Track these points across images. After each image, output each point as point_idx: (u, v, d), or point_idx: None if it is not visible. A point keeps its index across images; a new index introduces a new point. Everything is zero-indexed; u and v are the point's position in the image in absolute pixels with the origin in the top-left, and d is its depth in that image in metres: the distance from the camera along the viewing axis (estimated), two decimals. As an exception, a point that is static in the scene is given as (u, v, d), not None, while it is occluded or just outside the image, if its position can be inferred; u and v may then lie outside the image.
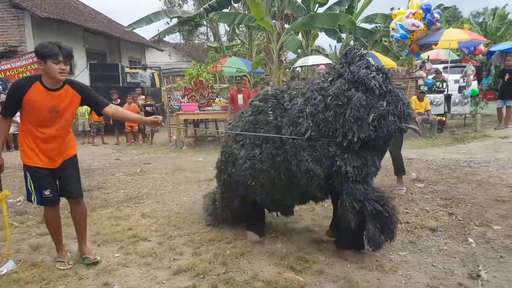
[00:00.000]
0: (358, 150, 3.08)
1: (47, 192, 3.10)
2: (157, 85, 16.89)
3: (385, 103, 3.04)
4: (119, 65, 15.06)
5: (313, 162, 3.13)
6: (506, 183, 5.30)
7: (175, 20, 18.35)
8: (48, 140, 3.06)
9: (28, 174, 3.10)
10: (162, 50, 24.27)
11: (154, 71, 17.55)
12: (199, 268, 3.17)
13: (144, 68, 16.20)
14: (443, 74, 12.09)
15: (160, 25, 68.53)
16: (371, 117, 2.99)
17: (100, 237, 3.93)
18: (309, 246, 3.63)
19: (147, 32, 71.46)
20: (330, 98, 3.10)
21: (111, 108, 3.30)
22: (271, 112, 3.45)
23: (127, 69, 16.91)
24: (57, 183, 3.22)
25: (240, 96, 9.72)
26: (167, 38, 22.39)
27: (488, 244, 3.56)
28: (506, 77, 9.84)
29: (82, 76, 14.20)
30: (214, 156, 8.73)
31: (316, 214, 4.52)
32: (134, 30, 17.77)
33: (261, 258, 3.38)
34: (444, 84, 11.54)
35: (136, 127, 11.54)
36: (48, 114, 3.00)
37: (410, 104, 3.36)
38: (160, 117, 3.43)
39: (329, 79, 3.26)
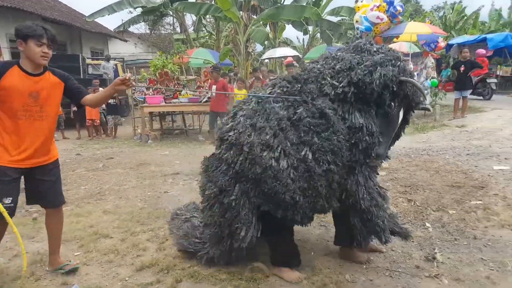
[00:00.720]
0: (353, 110, 2.76)
1: (7, 201, 2.66)
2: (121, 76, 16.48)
3: (379, 55, 2.83)
4: (80, 56, 14.61)
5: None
6: (461, 169, 5.54)
7: (139, 10, 17.91)
8: (25, 134, 2.71)
9: None
10: (125, 41, 23.67)
11: (117, 62, 17.14)
12: (163, 263, 3.14)
13: (107, 59, 15.78)
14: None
15: (123, 15, 66.65)
16: (366, 62, 2.75)
17: (59, 235, 3.82)
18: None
19: (110, 22, 69.46)
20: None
21: (92, 96, 3.00)
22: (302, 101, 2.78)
23: (88, 60, 16.44)
24: (34, 188, 2.87)
25: (213, 87, 9.56)
26: (131, 28, 21.90)
27: (444, 228, 3.74)
28: (462, 68, 10.22)
29: (41, 68, 13.66)
30: (181, 149, 8.75)
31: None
32: (96, 20, 17.25)
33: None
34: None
35: (98, 121, 11.23)
36: (28, 102, 2.68)
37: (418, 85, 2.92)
38: (128, 75, 3.01)
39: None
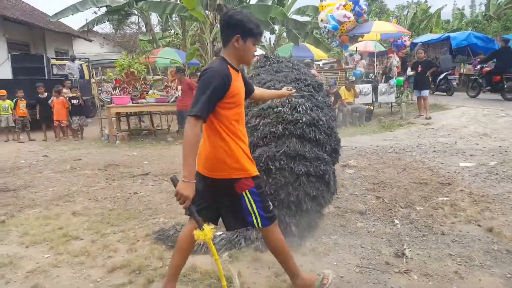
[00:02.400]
0: None
1: (272, 205, 2.46)
2: (86, 77, 16.10)
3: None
4: (44, 56, 14.15)
5: None
6: (428, 166, 5.71)
7: (103, 9, 17.48)
8: (246, 141, 2.41)
9: (246, 193, 2.32)
10: (90, 41, 23.08)
11: (82, 62, 16.70)
12: (134, 264, 3.10)
13: (72, 59, 15.34)
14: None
15: (88, 15, 64.76)
16: None
17: (28, 238, 3.70)
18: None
19: (74, 22, 67.49)
20: None
21: (259, 91, 2.77)
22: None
23: (53, 61, 15.98)
24: None
25: (179, 87, 9.57)
26: (96, 28, 21.39)
27: (412, 224, 3.80)
28: (419, 69, 10.54)
29: (3, 68, 13.20)
30: (149, 150, 8.62)
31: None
32: (60, 20, 16.74)
33: (199, 250, 3.36)
34: (372, 75, 12.18)
35: (65, 122, 10.93)
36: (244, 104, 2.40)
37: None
38: (293, 90, 3.03)
39: None
